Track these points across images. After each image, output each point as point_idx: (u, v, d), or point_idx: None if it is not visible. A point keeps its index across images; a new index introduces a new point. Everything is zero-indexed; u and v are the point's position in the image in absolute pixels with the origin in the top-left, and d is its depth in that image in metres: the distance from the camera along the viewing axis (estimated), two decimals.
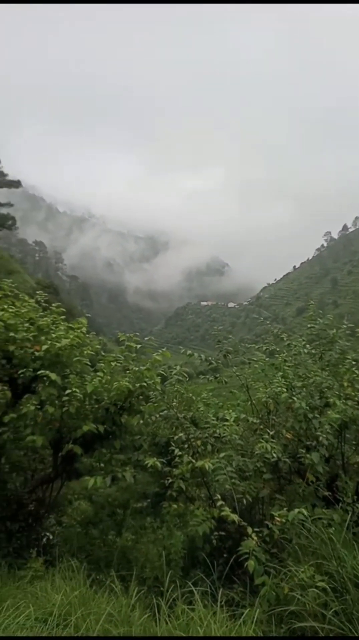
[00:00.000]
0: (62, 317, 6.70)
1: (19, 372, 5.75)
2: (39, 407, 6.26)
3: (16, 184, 67.79)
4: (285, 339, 7.13)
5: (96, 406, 5.91)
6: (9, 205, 65.46)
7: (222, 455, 4.91)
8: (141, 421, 6.27)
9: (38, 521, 5.82)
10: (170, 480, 5.23)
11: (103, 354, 6.53)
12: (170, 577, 3.70)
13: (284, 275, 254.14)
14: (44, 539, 5.94)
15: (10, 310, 5.94)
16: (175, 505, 5.36)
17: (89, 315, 7.58)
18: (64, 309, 6.94)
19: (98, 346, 6.60)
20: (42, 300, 6.95)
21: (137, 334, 6.57)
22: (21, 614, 2.99)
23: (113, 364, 6.33)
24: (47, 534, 6.13)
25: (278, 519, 3.94)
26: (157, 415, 6.78)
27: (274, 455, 4.76)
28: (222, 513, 4.04)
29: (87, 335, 6.56)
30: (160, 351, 6.39)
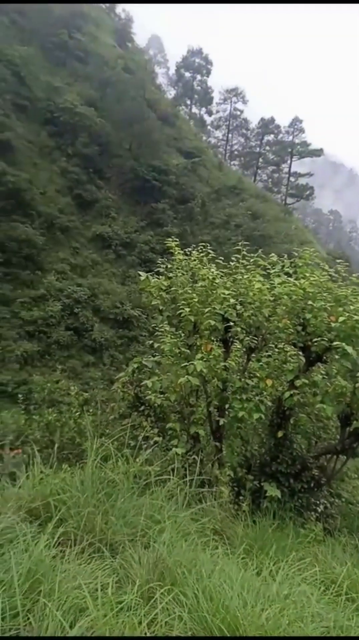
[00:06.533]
0: None
1: (313, 340, 5.83)
2: (325, 376, 6.25)
3: (318, 152, 67.46)
4: None
5: None
6: (309, 175, 65.94)
7: None
8: None
9: (318, 487, 5.94)
10: None
11: None
12: None
13: None
14: (322, 506, 6.04)
15: (312, 278, 6.03)
16: None
17: None
18: None
19: None
20: (342, 271, 6.75)
21: None
22: (305, 570, 3.12)
23: None
24: (325, 502, 6.20)
25: None
26: None
27: None
28: None
29: None
30: None
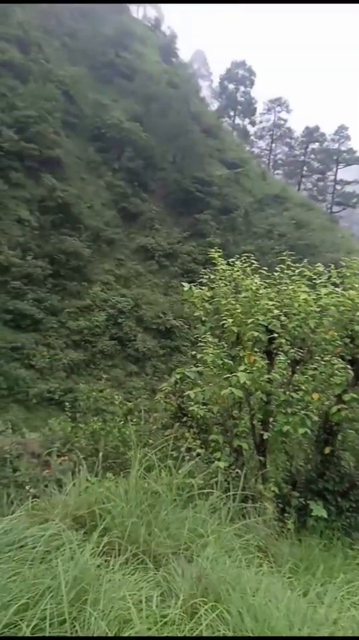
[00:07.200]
0: None
1: None
2: None
3: None
4: None
5: None
6: (356, 182, 64.30)
7: None
8: None
9: None
10: None
11: None
12: None
13: None
14: None
15: None
16: None
17: None
18: None
19: None
20: None
21: None
22: (354, 594, 2.98)
23: None
24: None
25: None
26: None
27: None
28: None
29: None
30: None
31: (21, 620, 2.05)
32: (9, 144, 38.90)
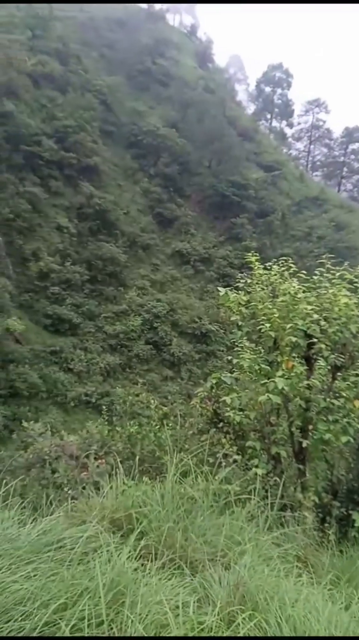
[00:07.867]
0: None
1: None
2: None
3: None
4: None
5: None
6: None
7: None
8: None
9: None
10: None
11: None
12: None
13: None
14: None
15: None
16: None
17: None
18: None
19: None
20: None
21: None
22: None
23: None
24: None
25: None
26: None
27: None
28: None
29: None
30: None
31: (60, 619, 2.08)
32: (49, 154, 40.18)
